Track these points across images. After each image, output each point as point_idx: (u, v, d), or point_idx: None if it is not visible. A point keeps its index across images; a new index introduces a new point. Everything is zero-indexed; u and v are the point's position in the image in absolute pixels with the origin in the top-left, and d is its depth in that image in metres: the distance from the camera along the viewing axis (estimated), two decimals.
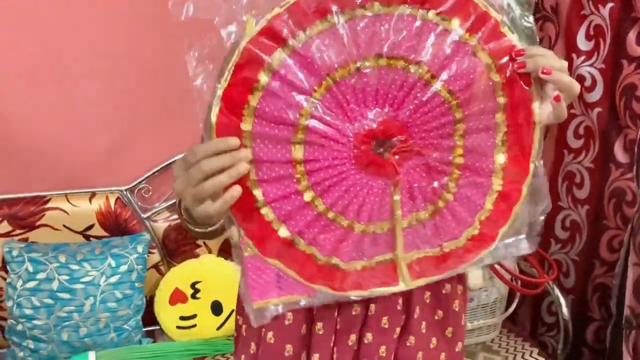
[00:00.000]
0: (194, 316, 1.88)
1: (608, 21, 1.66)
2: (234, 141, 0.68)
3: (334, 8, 0.69)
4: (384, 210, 0.74)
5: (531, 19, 0.74)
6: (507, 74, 0.72)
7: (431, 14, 0.70)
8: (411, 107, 0.72)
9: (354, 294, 0.75)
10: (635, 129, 1.63)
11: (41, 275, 1.75)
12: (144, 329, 1.89)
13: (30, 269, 1.75)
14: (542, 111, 0.73)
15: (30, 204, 1.87)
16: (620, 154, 1.70)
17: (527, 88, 0.72)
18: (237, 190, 0.69)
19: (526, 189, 0.75)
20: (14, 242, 1.81)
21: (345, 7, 0.69)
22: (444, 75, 0.71)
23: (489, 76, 0.72)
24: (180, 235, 2.00)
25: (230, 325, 1.88)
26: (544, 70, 0.70)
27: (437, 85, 0.71)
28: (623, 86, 1.66)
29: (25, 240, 1.86)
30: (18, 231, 1.86)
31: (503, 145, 0.74)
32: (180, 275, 1.91)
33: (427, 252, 0.76)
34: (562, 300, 1.81)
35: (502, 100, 0.72)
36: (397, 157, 0.73)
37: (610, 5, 1.65)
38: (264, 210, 0.72)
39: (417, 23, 0.70)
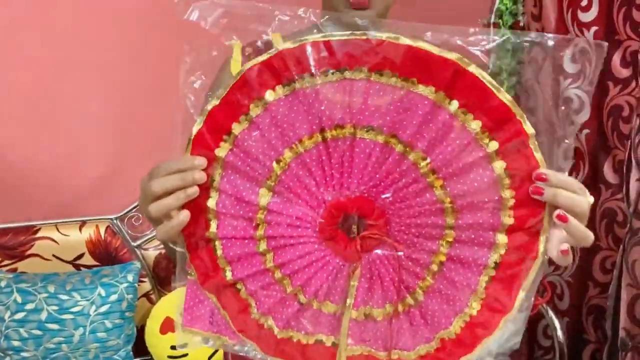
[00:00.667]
0: None
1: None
2: (200, 161, 0.65)
3: (348, 64, 0.62)
4: (335, 292, 0.67)
5: (571, 139, 0.65)
6: (520, 195, 0.62)
7: (454, 105, 0.61)
8: (395, 194, 0.64)
9: None
10: (623, 150, 1.64)
11: (30, 306, 1.73)
12: (134, 359, 1.86)
13: (19, 299, 1.73)
14: (550, 246, 0.62)
15: (20, 233, 1.86)
16: (609, 175, 1.71)
17: (539, 217, 0.62)
18: (183, 215, 0.64)
19: (504, 323, 0.65)
20: (2, 273, 1.79)
21: (363, 66, 0.62)
22: (445, 173, 0.63)
23: (498, 191, 0.62)
24: (171, 263, 1.98)
25: (222, 355, 1.85)
26: (560, 215, 0.60)
27: (434, 182, 0.63)
28: (610, 107, 1.67)
29: (14, 270, 1.84)
30: (7, 262, 1.84)
31: (494, 268, 0.64)
32: (171, 303, 1.89)
33: (372, 351, 0.68)
34: (557, 323, 1.79)
35: (507, 220, 0.63)
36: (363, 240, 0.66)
37: (594, 28, 1.68)
38: (213, 244, 0.67)
39: (432, 109, 0.62)
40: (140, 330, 1.90)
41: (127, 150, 1.95)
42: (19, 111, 1.87)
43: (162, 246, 1.98)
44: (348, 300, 0.66)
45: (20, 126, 1.87)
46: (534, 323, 2.01)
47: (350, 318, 0.67)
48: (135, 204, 1.96)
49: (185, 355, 1.84)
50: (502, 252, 0.64)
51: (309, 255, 0.67)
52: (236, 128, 0.65)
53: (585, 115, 0.64)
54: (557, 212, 0.61)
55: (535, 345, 2.04)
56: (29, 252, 1.86)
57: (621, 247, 1.61)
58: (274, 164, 0.65)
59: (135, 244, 1.96)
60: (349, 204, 0.65)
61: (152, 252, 1.99)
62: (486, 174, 0.62)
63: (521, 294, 0.64)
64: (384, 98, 0.62)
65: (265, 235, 0.66)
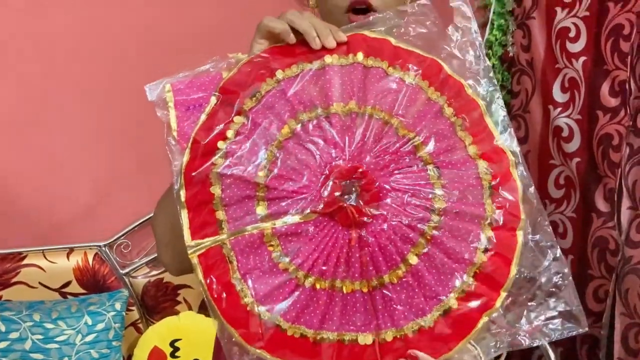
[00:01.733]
0: None
1: (582, 74, 1.70)
2: (341, 38, 0.71)
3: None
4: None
5: None
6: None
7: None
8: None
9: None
10: (614, 178, 1.65)
11: (14, 335, 1.69)
12: None
13: (2, 328, 1.69)
14: None
15: (5, 260, 1.83)
16: (601, 203, 1.71)
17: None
18: (289, 33, 0.70)
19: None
20: None
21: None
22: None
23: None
24: (160, 291, 1.96)
25: None
26: None
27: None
28: (600, 136, 1.68)
29: None
30: None
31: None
32: (159, 333, 1.86)
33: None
34: (551, 353, 1.77)
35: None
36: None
37: (582, 58, 1.70)
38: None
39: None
40: None
41: (116, 177, 1.93)
42: (5, 135, 1.85)
43: (151, 274, 1.95)
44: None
45: (6, 151, 1.86)
46: (529, 353, 1.99)
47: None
48: (125, 230, 1.93)
49: None
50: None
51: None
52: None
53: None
54: None
55: None
56: (14, 279, 1.82)
57: (614, 275, 1.60)
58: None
59: (123, 272, 1.93)
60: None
61: (141, 280, 1.95)
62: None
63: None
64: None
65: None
